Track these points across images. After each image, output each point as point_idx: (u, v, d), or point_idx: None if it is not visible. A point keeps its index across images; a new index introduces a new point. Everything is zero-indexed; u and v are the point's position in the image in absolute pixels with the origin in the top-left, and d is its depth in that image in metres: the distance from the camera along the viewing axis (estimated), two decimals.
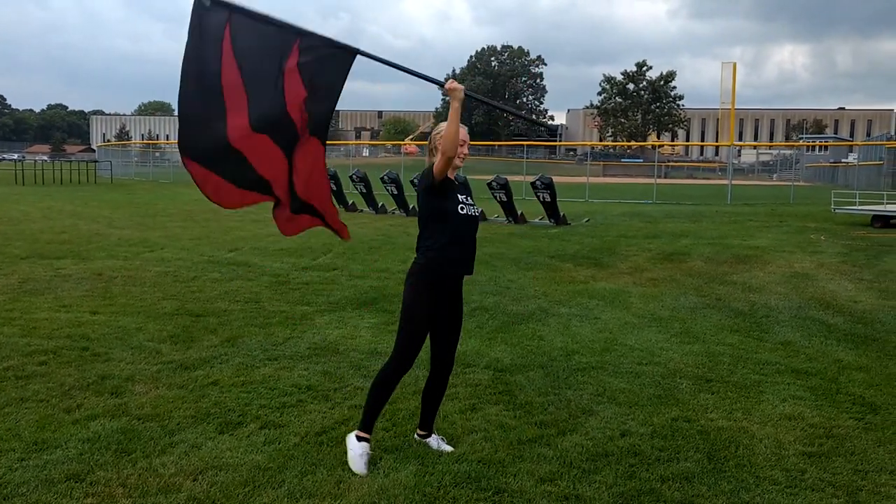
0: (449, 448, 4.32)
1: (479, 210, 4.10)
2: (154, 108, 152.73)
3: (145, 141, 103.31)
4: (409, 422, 4.73)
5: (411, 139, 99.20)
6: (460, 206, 4.08)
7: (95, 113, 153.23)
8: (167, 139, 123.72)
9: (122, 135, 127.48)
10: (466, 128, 4.08)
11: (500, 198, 19.34)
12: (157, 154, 73.00)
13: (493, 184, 19.31)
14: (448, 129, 3.88)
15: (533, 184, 19.46)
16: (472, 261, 4.20)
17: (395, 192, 21.19)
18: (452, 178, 4.12)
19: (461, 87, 3.92)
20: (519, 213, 19.18)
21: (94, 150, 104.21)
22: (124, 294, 8.71)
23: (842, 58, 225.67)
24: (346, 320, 7.63)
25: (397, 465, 4.09)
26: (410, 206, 20.97)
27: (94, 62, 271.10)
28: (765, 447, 4.45)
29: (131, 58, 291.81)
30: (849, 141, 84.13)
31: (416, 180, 19.92)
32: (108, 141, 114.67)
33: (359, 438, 4.11)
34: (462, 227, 4.09)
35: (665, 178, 57.23)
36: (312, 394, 5.29)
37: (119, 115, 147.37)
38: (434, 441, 4.37)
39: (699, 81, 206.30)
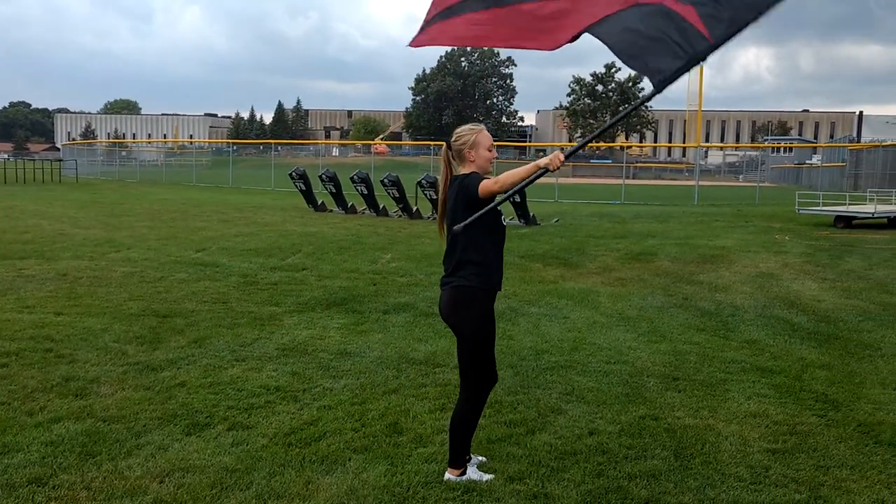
0: (486, 476, 3.97)
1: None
2: (120, 107, 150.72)
3: (112, 140, 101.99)
4: (377, 422, 4.73)
5: (381, 139, 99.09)
6: (502, 216, 3.94)
7: (60, 111, 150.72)
8: (134, 138, 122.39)
9: (88, 133, 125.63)
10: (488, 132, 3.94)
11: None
12: (124, 153, 72.12)
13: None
14: (514, 178, 3.56)
15: None
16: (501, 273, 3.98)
17: (365, 192, 21.11)
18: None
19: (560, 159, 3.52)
20: None
21: (58, 149, 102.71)
22: (90, 294, 8.59)
23: (804, 61, 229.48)
24: (315, 321, 7.60)
25: (367, 465, 4.08)
26: (381, 206, 20.92)
27: (59, 59, 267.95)
28: (730, 444, 4.51)
29: (97, 55, 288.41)
30: (812, 143, 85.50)
31: (386, 180, 19.96)
32: (74, 139, 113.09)
33: (459, 475, 3.91)
34: (503, 238, 3.94)
35: (633, 178, 57.70)
36: (281, 395, 5.26)
37: (84, 113, 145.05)
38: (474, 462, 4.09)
39: None
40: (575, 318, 7.98)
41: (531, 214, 19.13)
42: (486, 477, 3.95)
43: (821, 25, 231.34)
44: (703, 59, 3.08)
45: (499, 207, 3.76)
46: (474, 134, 3.91)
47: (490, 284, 3.84)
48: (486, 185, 3.66)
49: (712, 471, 4.12)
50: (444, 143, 3.99)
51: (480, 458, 4.17)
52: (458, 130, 3.96)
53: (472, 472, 3.96)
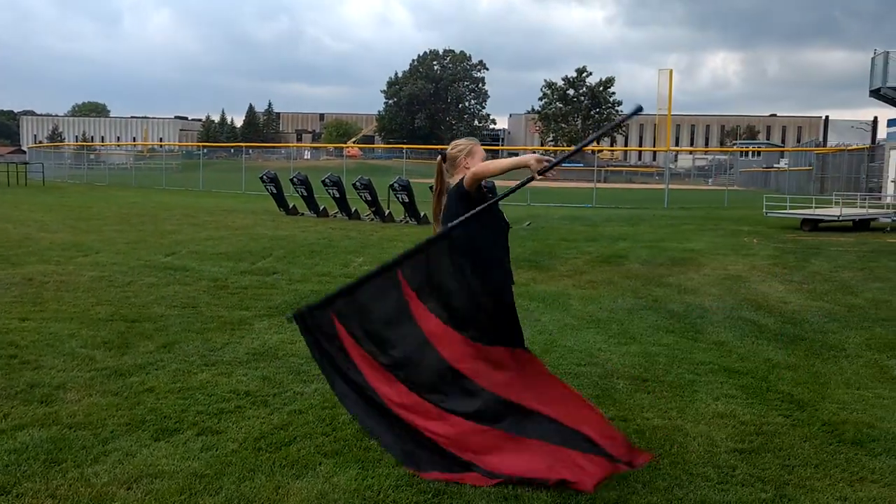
0: None
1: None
2: (88, 110, 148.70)
3: (79, 143, 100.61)
4: (348, 426, 4.72)
5: (354, 142, 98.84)
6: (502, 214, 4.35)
7: (25, 113, 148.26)
8: (102, 141, 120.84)
9: (55, 136, 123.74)
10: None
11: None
12: (92, 156, 71.14)
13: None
14: (496, 167, 4.03)
15: None
16: None
17: (337, 196, 21.07)
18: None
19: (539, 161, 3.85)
20: None
21: (24, 152, 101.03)
22: (56, 299, 8.48)
23: (771, 66, 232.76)
24: (285, 325, 7.55)
25: (337, 469, 4.07)
26: (353, 210, 20.87)
27: (24, 61, 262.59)
28: (698, 445, 4.56)
29: (64, 57, 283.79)
30: (780, 147, 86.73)
31: (358, 183, 19.92)
32: (40, 142, 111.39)
33: None
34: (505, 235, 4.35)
35: (604, 182, 58.04)
36: (251, 399, 5.23)
37: (51, 115, 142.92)
38: None
39: (635, 88, 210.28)
40: (546, 320, 8.03)
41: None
42: None
43: (786, 32, 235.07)
44: None
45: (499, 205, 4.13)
46: (471, 145, 4.36)
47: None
48: (470, 174, 4.06)
49: (680, 471, 4.17)
50: (439, 156, 4.39)
51: None
52: (456, 142, 4.36)
53: None
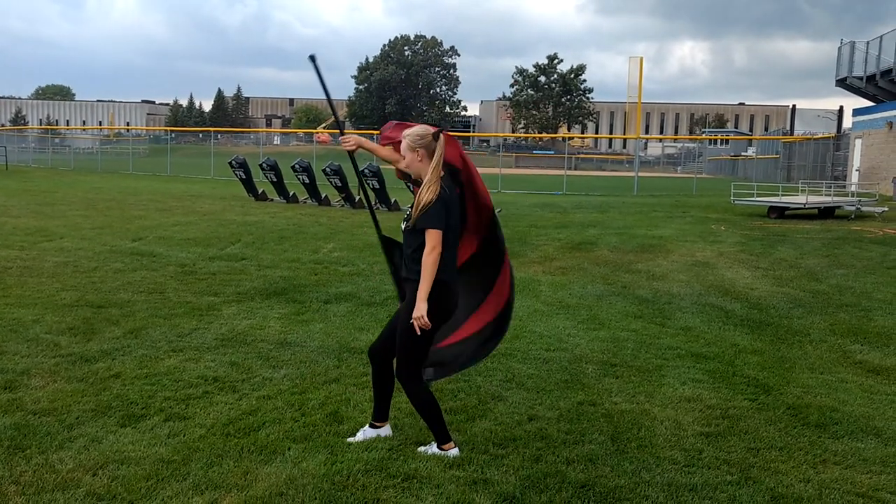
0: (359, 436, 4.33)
1: (406, 216, 4.05)
2: (53, 92, 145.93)
3: (44, 126, 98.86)
4: (318, 411, 4.70)
5: (324, 127, 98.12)
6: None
7: None
8: (67, 125, 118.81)
9: (18, 119, 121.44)
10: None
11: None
12: (57, 140, 70.01)
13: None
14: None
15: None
16: (402, 267, 4.23)
17: (307, 181, 20.91)
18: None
19: (351, 140, 4.27)
20: None
21: None
22: (20, 285, 8.33)
23: (738, 55, 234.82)
24: (254, 311, 7.51)
25: (306, 454, 4.06)
26: (323, 196, 20.75)
27: None
28: (665, 428, 4.61)
29: (26, 40, 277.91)
30: (748, 135, 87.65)
31: (328, 169, 19.78)
32: (2, 125, 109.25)
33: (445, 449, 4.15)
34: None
35: (575, 169, 58.33)
36: (219, 385, 5.19)
37: (14, 98, 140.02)
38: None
39: (605, 75, 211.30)
40: (516, 306, 7.97)
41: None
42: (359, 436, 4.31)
43: (752, 21, 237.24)
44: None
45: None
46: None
47: None
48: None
49: (647, 454, 4.21)
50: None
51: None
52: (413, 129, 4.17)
53: (360, 435, 4.32)
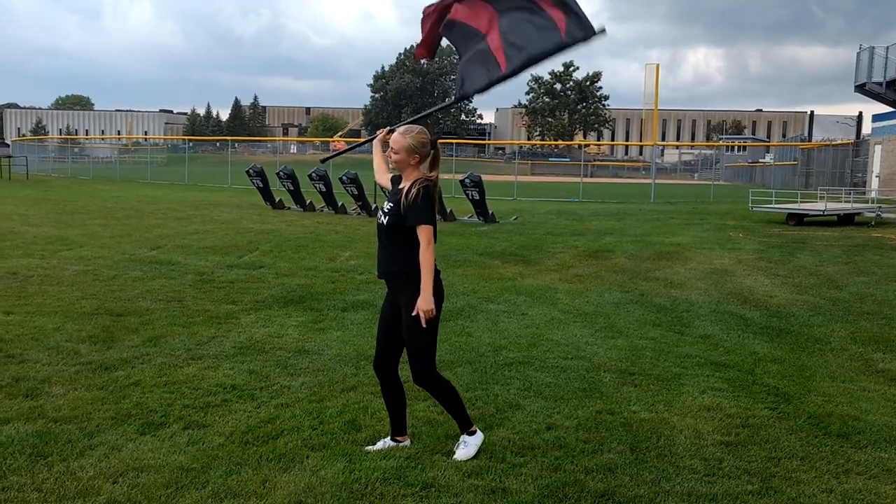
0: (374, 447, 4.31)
1: (384, 215, 4.15)
2: (72, 103, 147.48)
3: (63, 136, 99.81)
4: (335, 420, 4.71)
5: (340, 136, 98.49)
6: (379, 210, 4.23)
7: (9, 106, 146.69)
8: (86, 134, 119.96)
9: (39, 129, 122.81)
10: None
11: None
12: (77, 150, 70.66)
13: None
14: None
15: (462, 182, 19.55)
16: (380, 264, 4.25)
17: (324, 190, 20.99)
18: (386, 184, 4.37)
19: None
20: (448, 210, 19.25)
21: (7, 145, 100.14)
22: (40, 293, 8.41)
23: (752, 62, 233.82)
24: (272, 319, 7.53)
25: (324, 462, 4.06)
26: (339, 204, 20.82)
27: (6, 54, 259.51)
28: (685, 437, 4.58)
29: (45, 51, 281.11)
30: (765, 142, 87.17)
31: (345, 177, 19.87)
32: (24, 135, 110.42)
33: (471, 433, 4.26)
34: (378, 230, 4.23)
35: (591, 176, 58.23)
36: (238, 393, 5.21)
37: (35, 108, 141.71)
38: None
39: (619, 83, 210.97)
40: (533, 314, 8.04)
41: (490, 212, 19.21)
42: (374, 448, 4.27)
43: (766, 27, 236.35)
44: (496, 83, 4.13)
45: (384, 207, 4.19)
46: None
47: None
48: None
49: (667, 464, 4.18)
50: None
51: (390, 441, 4.36)
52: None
53: (380, 444, 4.31)
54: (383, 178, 4.44)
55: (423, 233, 3.99)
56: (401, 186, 4.13)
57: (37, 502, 3.57)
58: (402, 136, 4.10)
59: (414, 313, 3.98)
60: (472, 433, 4.25)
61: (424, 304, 3.95)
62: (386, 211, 4.14)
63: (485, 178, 20.33)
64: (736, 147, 76.69)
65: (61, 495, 3.63)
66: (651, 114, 36.70)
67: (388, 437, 4.36)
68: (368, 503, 3.62)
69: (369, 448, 4.27)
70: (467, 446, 4.20)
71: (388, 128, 4.33)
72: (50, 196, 25.49)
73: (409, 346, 4.12)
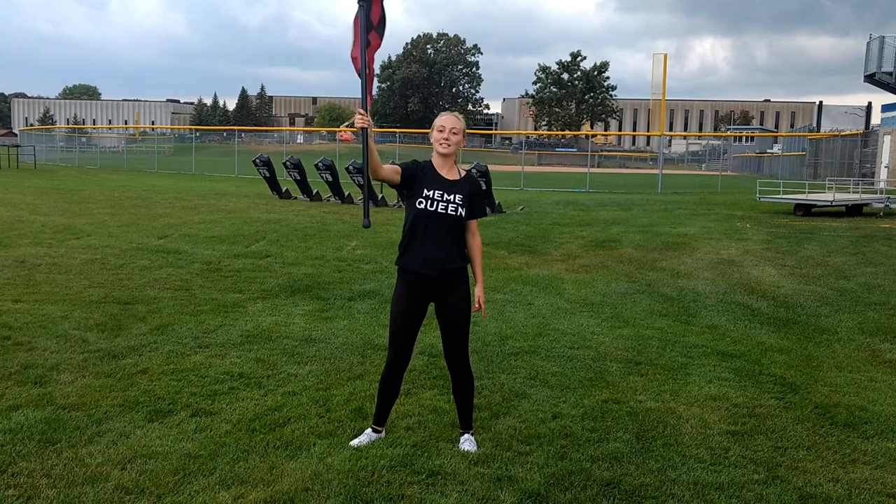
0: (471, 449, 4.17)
1: (456, 207, 3.99)
2: (80, 92, 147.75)
3: (71, 125, 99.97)
4: (342, 408, 4.73)
5: (346, 126, 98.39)
6: (419, 200, 3.97)
7: (17, 96, 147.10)
8: (94, 124, 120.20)
9: (46, 119, 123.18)
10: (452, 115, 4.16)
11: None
12: (84, 139, 70.84)
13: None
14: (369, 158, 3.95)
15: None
16: (435, 261, 3.98)
17: (330, 180, 20.99)
18: (438, 167, 4.11)
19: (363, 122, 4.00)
20: None
21: (15, 135, 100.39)
22: (49, 282, 8.45)
23: (759, 52, 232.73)
24: (279, 308, 7.55)
25: (331, 450, 4.08)
26: (346, 194, 20.82)
27: (13, 44, 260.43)
28: (691, 427, 4.58)
29: (52, 41, 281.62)
30: (773, 132, 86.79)
31: (351, 167, 19.86)
32: (32, 125, 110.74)
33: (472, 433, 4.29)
34: (418, 221, 3.98)
35: (598, 167, 58.11)
36: (245, 381, 5.23)
37: (43, 98, 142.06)
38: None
39: (625, 73, 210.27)
40: (539, 304, 8.03)
41: (497, 202, 19.19)
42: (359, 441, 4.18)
43: (772, 17, 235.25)
44: None
45: (435, 195, 3.99)
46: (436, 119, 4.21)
47: (403, 263, 4.09)
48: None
49: (673, 453, 4.19)
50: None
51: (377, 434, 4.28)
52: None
53: (362, 438, 4.21)
54: (384, 171, 3.97)
55: (477, 225, 4.17)
56: (460, 177, 4.11)
57: (46, 488, 3.59)
58: (456, 118, 4.10)
59: (476, 306, 4.11)
60: (472, 433, 4.26)
61: (484, 295, 4.14)
62: (458, 202, 4.00)
63: (491, 168, 20.29)
64: (744, 137, 76.38)
65: (70, 481, 3.65)
66: (658, 104, 36.54)
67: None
68: (375, 490, 3.64)
69: (354, 442, 4.17)
70: (472, 443, 4.21)
71: (359, 111, 4.04)
72: (58, 185, 25.56)
73: (464, 334, 4.15)
